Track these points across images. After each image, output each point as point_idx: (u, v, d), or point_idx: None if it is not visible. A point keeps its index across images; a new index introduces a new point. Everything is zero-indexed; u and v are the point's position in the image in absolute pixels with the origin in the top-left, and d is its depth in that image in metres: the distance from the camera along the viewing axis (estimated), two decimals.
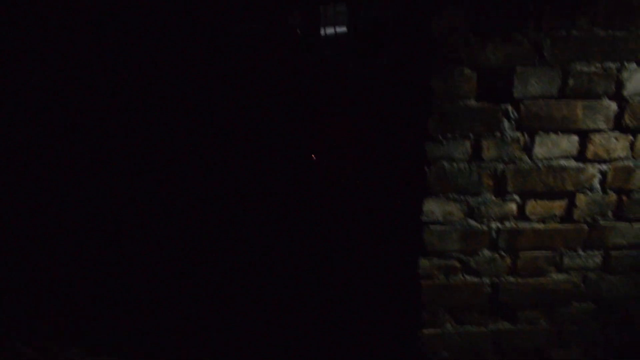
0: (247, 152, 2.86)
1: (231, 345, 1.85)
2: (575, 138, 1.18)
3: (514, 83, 1.12)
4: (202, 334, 1.90)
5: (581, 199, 1.25)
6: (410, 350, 1.43)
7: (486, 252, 1.30)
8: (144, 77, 2.74)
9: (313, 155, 2.62)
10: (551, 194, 1.24)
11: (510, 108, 1.15)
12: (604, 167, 1.21)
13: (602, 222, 1.27)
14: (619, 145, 1.19)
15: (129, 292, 2.22)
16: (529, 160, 1.20)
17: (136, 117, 2.80)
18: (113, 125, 2.80)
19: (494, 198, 1.24)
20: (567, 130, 1.17)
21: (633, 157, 1.20)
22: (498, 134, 1.17)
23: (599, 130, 1.18)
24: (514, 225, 1.27)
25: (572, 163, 1.21)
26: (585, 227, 1.28)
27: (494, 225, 1.27)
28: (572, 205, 1.25)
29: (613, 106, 1.16)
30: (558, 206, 1.25)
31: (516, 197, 1.24)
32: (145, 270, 2.41)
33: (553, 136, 1.18)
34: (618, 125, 1.17)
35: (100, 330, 1.95)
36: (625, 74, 1.12)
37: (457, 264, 1.31)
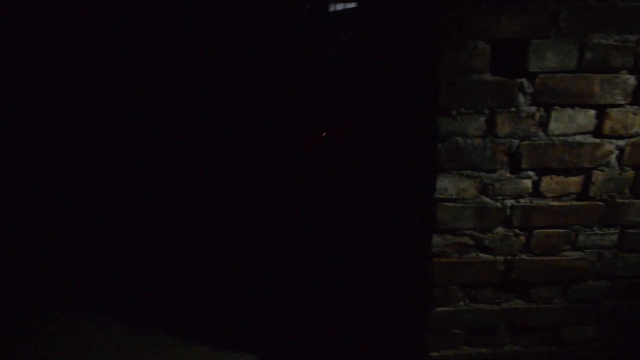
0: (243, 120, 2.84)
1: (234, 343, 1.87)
2: (592, 113, 1.17)
3: (529, 56, 1.10)
4: (201, 334, 1.93)
5: (597, 176, 1.23)
6: (417, 331, 1.44)
7: (500, 230, 1.30)
8: (140, 72, 2.75)
9: (323, 134, 2.62)
10: (567, 171, 1.23)
11: (525, 82, 1.14)
12: (622, 142, 1.20)
13: (618, 199, 1.26)
14: (637, 120, 1.17)
15: (126, 292, 2.25)
16: (544, 136, 1.19)
17: (132, 112, 2.82)
18: (110, 120, 2.83)
19: (508, 175, 1.23)
20: (583, 105, 1.16)
21: None
22: (513, 109, 1.16)
23: (616, 105, 1.16)
24: (528, 203, 1.26)
25: (589, 139, 1.19)
26: (602, 204, 1.26)
27: (508, 202, 1.26)
28: (588, 182, 1.24)
29: (632, 80, 1.13)
30: (574, 183, 1.24)
31: (531, 173, 1.23)
32: (142, 269, 2.42)
33: (569, 111, 1.16)
34: (637, 99, 1.15)
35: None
36: None
37: (471, 242, 1.31)
